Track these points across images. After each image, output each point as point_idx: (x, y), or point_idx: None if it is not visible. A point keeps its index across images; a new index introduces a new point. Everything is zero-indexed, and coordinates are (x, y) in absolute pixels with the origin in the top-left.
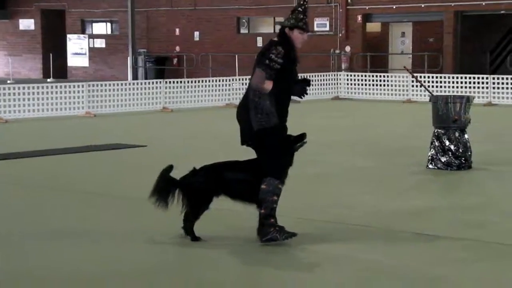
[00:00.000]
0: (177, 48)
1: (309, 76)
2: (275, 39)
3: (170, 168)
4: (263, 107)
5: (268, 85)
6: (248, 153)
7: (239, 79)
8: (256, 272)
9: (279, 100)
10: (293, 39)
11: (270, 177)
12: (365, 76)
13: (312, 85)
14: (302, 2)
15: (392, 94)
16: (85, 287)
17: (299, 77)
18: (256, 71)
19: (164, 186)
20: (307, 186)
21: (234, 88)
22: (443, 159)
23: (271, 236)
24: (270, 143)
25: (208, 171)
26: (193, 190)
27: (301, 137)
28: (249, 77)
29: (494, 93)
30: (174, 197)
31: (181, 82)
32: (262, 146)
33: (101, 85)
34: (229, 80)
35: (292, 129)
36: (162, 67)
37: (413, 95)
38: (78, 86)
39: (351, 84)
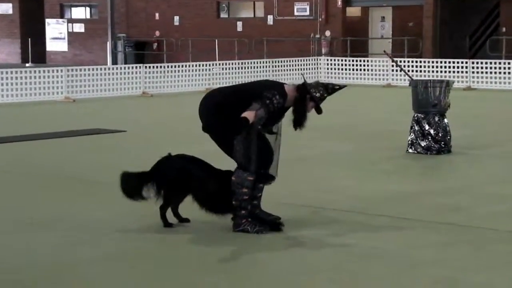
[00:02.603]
0: (157, 33)
1: (289, 61)
2: (288, 88)
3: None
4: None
5: (251, 116)
6: None
7: (219, 64)
8: (233, 257)
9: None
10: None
11: (239, 169)
12: (345, 60)
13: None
14: (336, 87)
15: (372, 79)
16: (55, 274)
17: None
18: (254, 104)
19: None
20: (286, 170)
21: (214, 73)
22: (423, 143)
23: (242, 228)
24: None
25: (184, 162)
26: (164, 175)
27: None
28: (229, 61)
29: (473, 77)
30: (151, 188)
31: (161, 67)
32: (225, 141)
33: (80, 70)
34: (209, 65)
35: None
36: (141, 52)
37: (393, 79)
38: (57, 71)
39: (331, 69)
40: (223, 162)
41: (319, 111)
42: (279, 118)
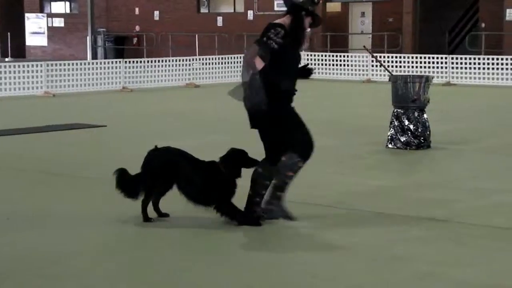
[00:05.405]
0: (137, 28)
1: None
2: (278, 21)
3: (124, 172)
4: (254, 84)
5: (258, 63)
6: (209, 136)
7: (199, 59)
8: (214, 251)
9: (282, 82)
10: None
11: (292, 152)
12: (325, 56)
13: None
14: None
15: (352, 74)
16: (38, 267)
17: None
18: (251, 48)
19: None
20: None
21: (194, 68)
22: (403, 138)
23: (275, 214)
24: (277, 123)
25: (168, 154)
26: (149, 167)
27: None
28: (210, 56)
29: (453, 73)
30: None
31: (141, 61)
32: (273, 129)
33: (60, 64)
34: (189, 60)
35: None
36: (121, 47)
37: (372, 75)
38: (37, 66)
39: (311, 64)
40: (206, 157)
41: (317, 21)
42: (297, 43)
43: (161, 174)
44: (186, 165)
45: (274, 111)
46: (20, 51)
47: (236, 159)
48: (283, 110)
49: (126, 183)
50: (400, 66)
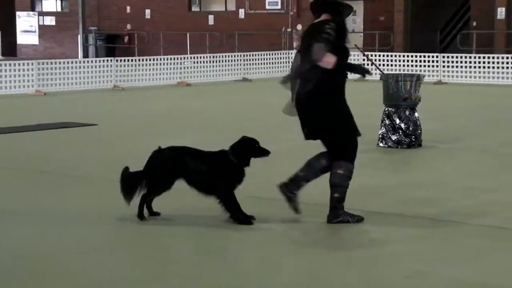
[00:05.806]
0: (128, 26)
1: (260, 55)
2: (327, 18)
3: (126, 169)
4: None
5: (330, 58)
6: (197, 133)
7: (191, 57)
8: (201, 249)
9: (333, 77)
10: None
11: (346, 161)
12: None
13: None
14: None
15: None
16: (32, 265)
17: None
18: (315, 47)
19: (129, 184)
20: (261, 164)
21: (186, 66)
22: (394, 137)
23: (342, 219)
24: (332, 127)
25: (172, 153)
26: (152, 167)
27: None
28: (201, 55)
29: (444, 71)
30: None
31: (132, 60)
32: (329, 134)
33: (51, 63)
34: (181, 58)
35: (248, 106)
36: (113, 45)
37: None
38: (28, 64)
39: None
40: None
41: (349, 11)
42: (343, 38)
43: (166, 172)
44: (191, 158)
45: (333, 110)
46: (11, 50)
47: (246, 147)
48: (341, 105)
49: (127, 180)
50: (392, 65)
